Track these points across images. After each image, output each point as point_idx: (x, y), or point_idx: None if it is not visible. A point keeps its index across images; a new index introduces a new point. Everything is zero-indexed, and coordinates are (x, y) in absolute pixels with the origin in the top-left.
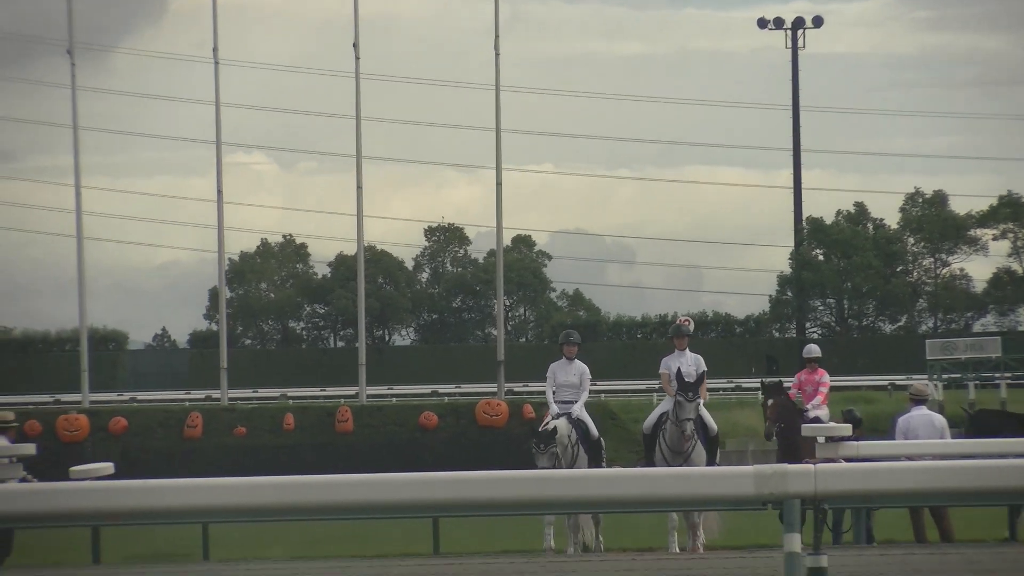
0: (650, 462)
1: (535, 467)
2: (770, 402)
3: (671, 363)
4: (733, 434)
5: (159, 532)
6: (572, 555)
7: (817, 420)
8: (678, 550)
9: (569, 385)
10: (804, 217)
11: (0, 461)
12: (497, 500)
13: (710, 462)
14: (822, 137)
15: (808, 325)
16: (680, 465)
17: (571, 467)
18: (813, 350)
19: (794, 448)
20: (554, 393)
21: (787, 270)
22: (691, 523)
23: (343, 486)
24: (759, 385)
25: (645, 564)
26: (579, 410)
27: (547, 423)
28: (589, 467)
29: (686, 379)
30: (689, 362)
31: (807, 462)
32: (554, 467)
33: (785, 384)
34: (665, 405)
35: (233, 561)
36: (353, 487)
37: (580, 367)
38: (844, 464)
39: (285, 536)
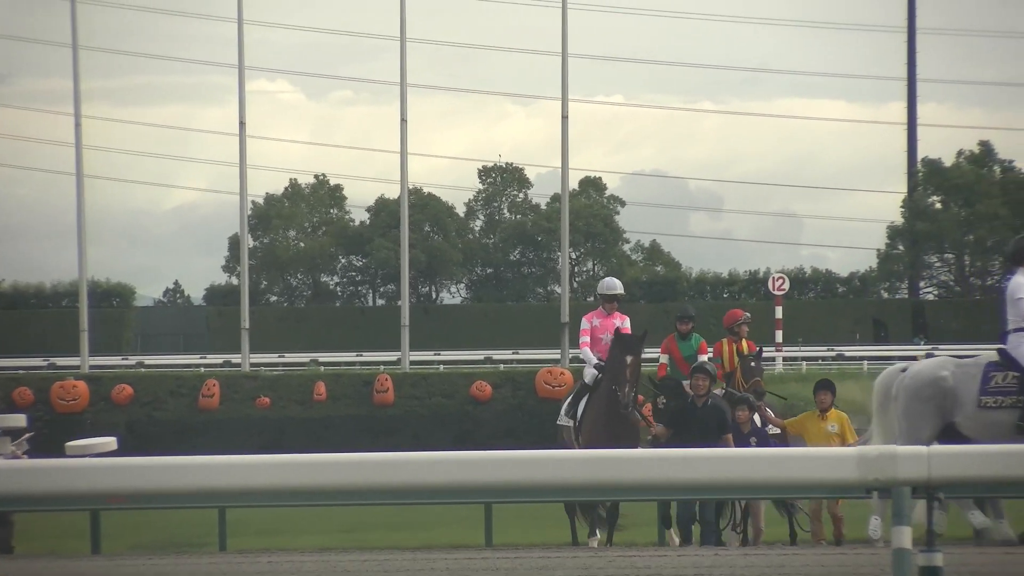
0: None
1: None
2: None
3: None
4: None
5: (169, 517)
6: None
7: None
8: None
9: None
10: (919, 158)
11: None
12: (559, 484)
13: None
14: (940, 64)
15: (922, 284)
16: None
17: None
18: (613, 285)
19: None
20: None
21: (898, 220)
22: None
23: (381, 466)
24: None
25: (730, 560)
26: None
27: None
28: None
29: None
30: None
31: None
32: None
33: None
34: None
35: (254, 552)
36: (393, 467)
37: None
38: (963, 446)
39: (314, 523)
